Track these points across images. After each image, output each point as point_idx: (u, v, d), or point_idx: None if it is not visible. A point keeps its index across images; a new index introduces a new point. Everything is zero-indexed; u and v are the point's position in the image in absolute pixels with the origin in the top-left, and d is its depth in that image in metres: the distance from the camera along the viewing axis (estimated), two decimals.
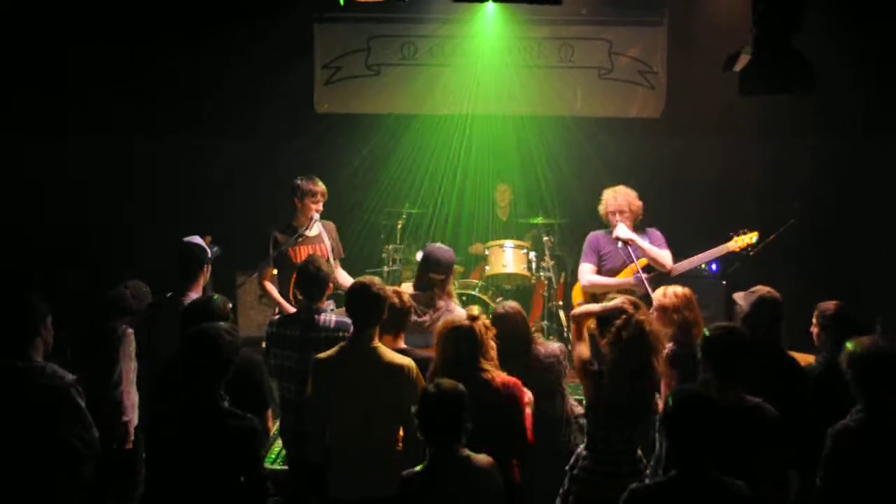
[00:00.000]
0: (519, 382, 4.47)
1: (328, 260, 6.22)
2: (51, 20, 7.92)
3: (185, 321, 4.46)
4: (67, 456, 4.10)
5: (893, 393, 3.94)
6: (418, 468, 3.83)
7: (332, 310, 5.51)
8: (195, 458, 3.78)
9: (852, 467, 3.89)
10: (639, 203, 6.48)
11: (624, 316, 4.34)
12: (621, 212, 6.39)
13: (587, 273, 6.51)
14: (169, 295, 5.34)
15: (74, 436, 4.07)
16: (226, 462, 3.78)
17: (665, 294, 4.99)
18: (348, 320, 4.95)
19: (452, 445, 3.76)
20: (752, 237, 6.55)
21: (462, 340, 4.39)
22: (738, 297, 4.88)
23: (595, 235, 6.62)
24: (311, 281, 5.22)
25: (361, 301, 4.49)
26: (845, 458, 3.89)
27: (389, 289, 4.85)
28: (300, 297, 5.32)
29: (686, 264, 6.53)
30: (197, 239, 5.51)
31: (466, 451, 3.79)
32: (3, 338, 4.09)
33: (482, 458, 3.81)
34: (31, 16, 7.81)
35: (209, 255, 5.51)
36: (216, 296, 4.84)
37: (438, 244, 5.84)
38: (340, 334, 5.00)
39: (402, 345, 4.87)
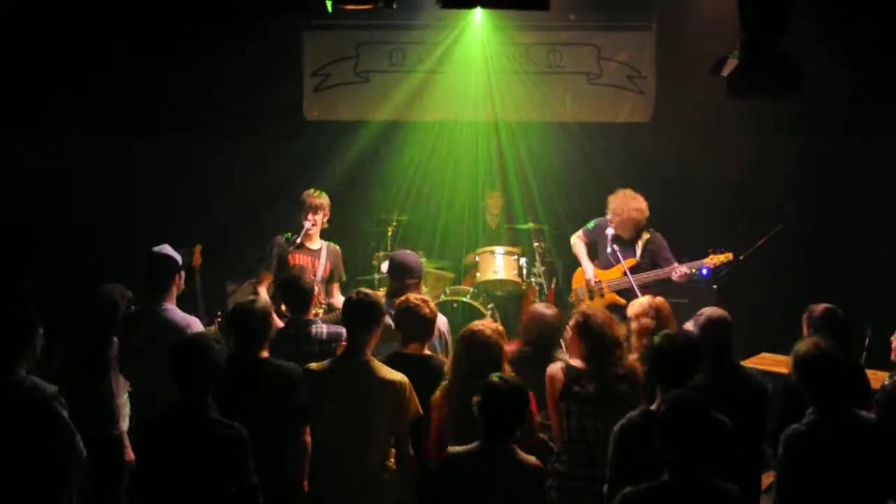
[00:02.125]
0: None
1: (313, 275, 6.24)
2: (47, 21, 7.89)
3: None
4: (54, 468, 4.09)
5: (839, 393, 3.93)
6: (464, 448, 3.89)
7: (320, 320, 5.50)
8: (183, 467, 3.76)
9: (806, 470, 3.87)
10: None
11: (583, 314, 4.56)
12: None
13: (576, 236, 7.05)
14: (135, 308, 5.26)
15: (60, 447, 4.06)
16: (214, 471, 3.76)
17: (632, 303, 5.23)
18: (341, 329, 4.99)
19: (507, 438, 3.83)
20: (726, 257, 6.68)
21: (482, 348, 4.43)
22: (688, 325, 4.91)
23: (604, 222, 6.83)
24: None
25: (355, 312, 4.47)
26: (798, 461, 3.88)
27: (417, 297, 4.87)
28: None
29: (651, 275, 6.67)
30: (167, 248, 5.46)
31: (517, 448, 3.86)
32: None
33: (531, 459, 3.87)
34: (27, 16, 7.77)
35: (179, 263, 5.46)
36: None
37: (405, 250, 5.85)
38: (334, 345, 5.04)
39: (428, 351, 4.86)
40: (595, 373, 4.46)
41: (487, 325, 4.59)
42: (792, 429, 3.92)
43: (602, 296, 6.73)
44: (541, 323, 5.10)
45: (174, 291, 5.29)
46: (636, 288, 6.30)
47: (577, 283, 7.15)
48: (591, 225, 7.02)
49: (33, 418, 4.02)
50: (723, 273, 7.07)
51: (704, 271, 7.08)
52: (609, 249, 6.65)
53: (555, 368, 4.60)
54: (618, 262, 6.58)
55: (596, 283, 6.76)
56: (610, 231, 6.70)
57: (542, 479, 3.87)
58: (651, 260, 6.72)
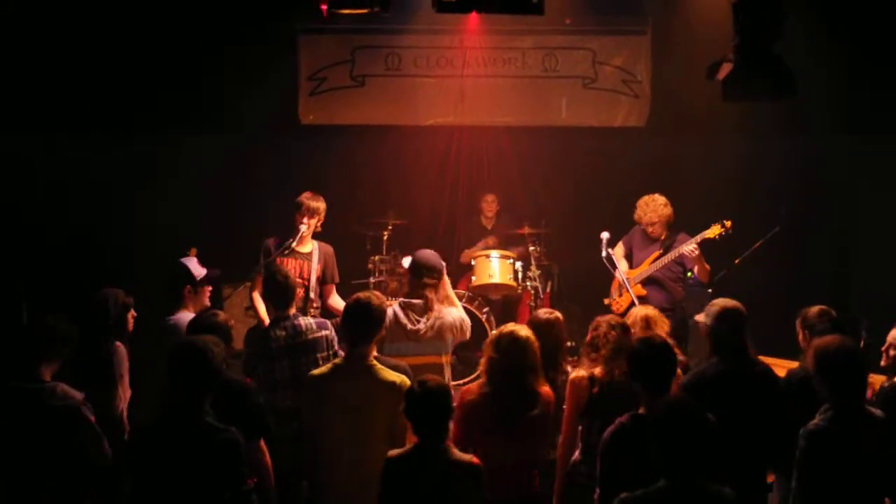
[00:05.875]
0: (553, 397, 4.56)
1: (307, 280, 6.24)
2: (43, 21, 7.86)
3: (190, 332, 4.57)
4: (82, 474, 4.14)
5: (859, 390, 3.98)
6: (399, 452, 3.96)
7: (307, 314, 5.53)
8: (178, 472, 3.74)
9: (826, 466, 3.91)
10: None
11: (607, 327, 4.58)
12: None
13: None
14: (134, 311, 5.29)
15: (88, 454, 4.09)
16: (209, 476, 3.74)
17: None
18: (325, 319, 5.18)
19: (436, 438, 3.87)
20: (723, 227, 6.91)
21: (520, 352, 4.45)
22: (700, 317, 4.92)
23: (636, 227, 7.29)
24: (278, 289, 5.27)
25: (354, 317, 4.49)
26: (818, 457, 3.91)
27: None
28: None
29: (667, 258, 6.98)
30: (192, 262, 5.53)
31: (450, 446, 3.90)
32: (12, 358, 4.12)
33: (466, 456, 3.91)
34: (24, 15, 7.75)
35: (194, 275, 5.50)
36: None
37: (426, 249, 5.75)
38: (324, 333, 5.13)
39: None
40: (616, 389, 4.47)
41: (521, 327, 4.61)
42: (812, 425, 3.95)
43: (628, 291, 6.76)
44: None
45: (189, 302, 5.36)
46: (628, 287, 6.65)
47: (613, 284, 7.38)
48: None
49: (61, 424, 4.06)
50: (718, 276, 7.14)
51: (696, 270, 7.15)
52: (604, 254, 6.77)
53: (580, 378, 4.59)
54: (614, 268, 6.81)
55: (625, 280, 6.85)
56: (638, 232, 7.21)
57: (480, 476, 3.88)
58: (667, 251, 7.05)
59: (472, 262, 8.33)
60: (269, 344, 5.09)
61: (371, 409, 4.31)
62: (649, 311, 5.12)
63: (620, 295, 7.12)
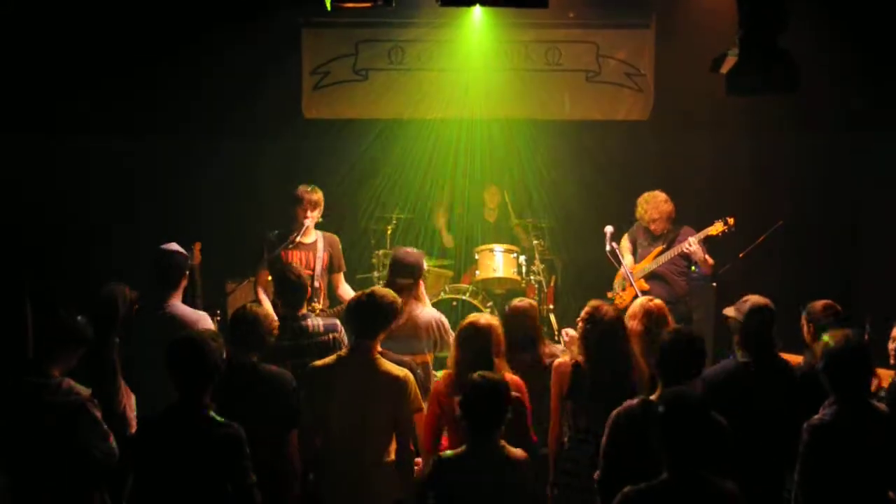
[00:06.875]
0: (522, 384, 4.56)
1: (312, 269, 6.22)
2: (44, 20, 7.84)
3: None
4: (88, 469, 4.16)
5: (865, 385, 4.01)
6: (452, 452, 3.95)
7: (316, 314, 5.51)
8: (181, 466, 3.76)
9: (829, 460, 3.92)
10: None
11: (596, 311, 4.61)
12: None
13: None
14: (140, 306, 5.26)
15: (94, 448, 4.12)
16: (212, 470, 3.76)
17: (632, 304, 5.24)
18: (335, 320, 5.12)
19: (492, 435, 3.86)
20: (726, 224, 7.03)
21: (480, 340, 4.48)
22: (730, 311, 4.90)
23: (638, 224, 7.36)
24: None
25: (360, 311, 4.50)
26: (822, 451, 3.92)
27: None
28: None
29: (670, 254, 7.09)
30: (174, 246, 5.47)
31: (503, 443, 3.89)
32: (22, 353, 4.14)
33: (517, 452, 3.91)
34: (25, 15, 7.74)
35: (189, 260, 5.48)
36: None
37: (406, 248, 5.76)
38: (331, 336, 5.12)
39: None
40: (605, 370, 4.48)
41: (482, 315, 4.68)
42: (816, 419, 3.97)
43: (632, 285, 6.76)
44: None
45: (182, 289, 5.33)
46: (632, 280, 6.65)
47: (617, 277, 7.40)
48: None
49: (68, 420, 4.09)
50: (723, 269, 7.13)
51: (699, 264, 7.15)
52: (608, 248, 6.77)
53: (563, 364, 4.61)
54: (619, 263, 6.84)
55: (629, 274, 6.86)
56: (641, 229, 7.28)
57: (529, 470, 3.91)
58: (670, 245, 7.13)
59: (476, 256, 8.33)
60: (275, 342, 5.08)
61: (372, 401, 4.32)
62: (651, 304, 5.11)
63: (624, 289, 7.13)
